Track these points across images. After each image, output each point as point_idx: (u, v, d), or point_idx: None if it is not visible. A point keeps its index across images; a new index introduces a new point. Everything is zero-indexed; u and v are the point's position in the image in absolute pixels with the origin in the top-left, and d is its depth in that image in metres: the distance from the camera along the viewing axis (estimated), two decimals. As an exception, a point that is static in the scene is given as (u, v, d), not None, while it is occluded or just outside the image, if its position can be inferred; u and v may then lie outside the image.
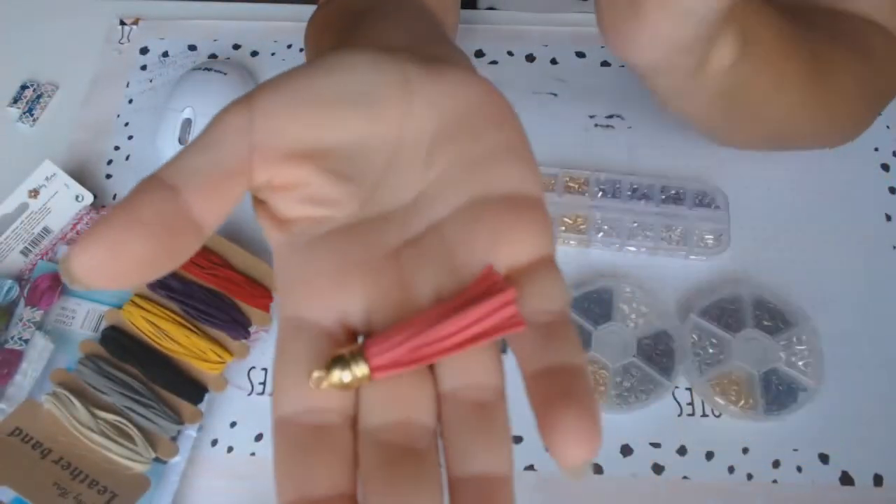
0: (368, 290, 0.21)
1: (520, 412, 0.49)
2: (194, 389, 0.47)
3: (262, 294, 0.49)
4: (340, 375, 0.20)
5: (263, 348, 0.51)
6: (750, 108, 0.41)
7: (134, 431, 0.45)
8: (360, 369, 0.20)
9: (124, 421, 0.45)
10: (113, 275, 0.18)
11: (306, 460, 0.19)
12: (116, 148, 0.59)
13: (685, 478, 0.46)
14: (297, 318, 0.22)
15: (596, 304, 0.50)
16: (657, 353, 0.48)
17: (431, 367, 0.21)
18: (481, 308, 0.20)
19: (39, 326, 0.49)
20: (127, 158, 0.58)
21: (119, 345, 0.47)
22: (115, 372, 0.46)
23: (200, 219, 0.20)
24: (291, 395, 0.20)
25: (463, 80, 0.24)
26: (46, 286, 0.49)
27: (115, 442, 0.44)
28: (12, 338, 0.48)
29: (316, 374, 0.20)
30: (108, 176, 0.57)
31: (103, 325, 0.49)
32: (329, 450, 0.20)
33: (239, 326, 0.48)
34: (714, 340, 0.49)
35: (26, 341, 0.48)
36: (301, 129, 0.21)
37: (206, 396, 0.48)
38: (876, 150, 0.57)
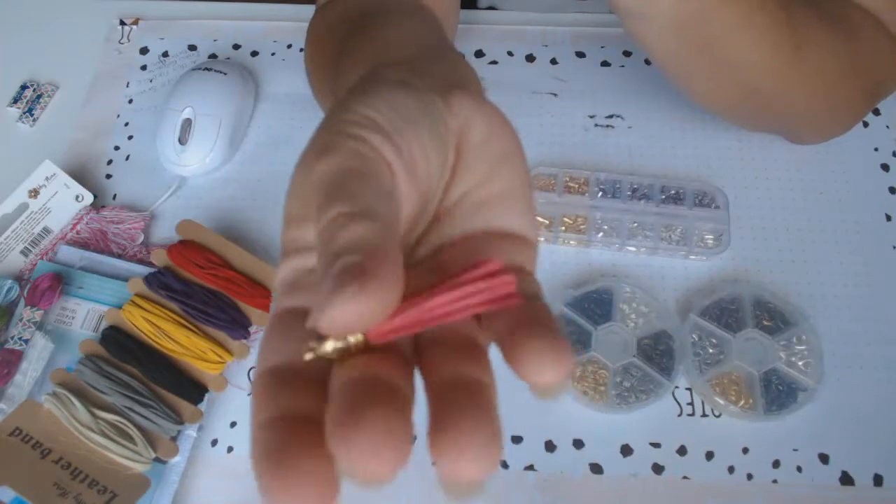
0: None
1: (520, 412, 0.49)
2: (194, 389, 0.47)
3: (261, 294, 0.49)
4: (335, 344, 0.19)
5: (263, 348, 0.50)
6: (712, 46, 0.41)
7: (134, 431, 0.45)
8: (355, 337, 0.20)
9: (124, 421, 0.45)
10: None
11: (282, 390, 0.19)
12: (116, 148, 0.59)
13: (685, 478, 0.46)
14: (299, 239, 0.22)
15: (596, 304, 0.50)
16: (657, 353, 0.48)
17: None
18: (477, 282, 0.21)
19: (39, 326, 0.49)
20: (127, 158, 0.58)
21: (119, 345, 0.47)
22: (115, 372, 0.46)
23: None
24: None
25: (476, 108, 0.24)
26: (46, 286, 0.49)
27: (115, 442, 0.44)
28: (12, 338, 0.48)
29: (310, 343, 0.20)
30: (108, 176, 0.57)
31: (103, 324, 0.49)
32: (305, 382, 0.20)
33: (239, 326, 0.48)
34: (714, 340, 0.49)
35: (26, 341, 0.48)
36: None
37: (207, 396, 0.48)
38: (876, 150, 0.57)
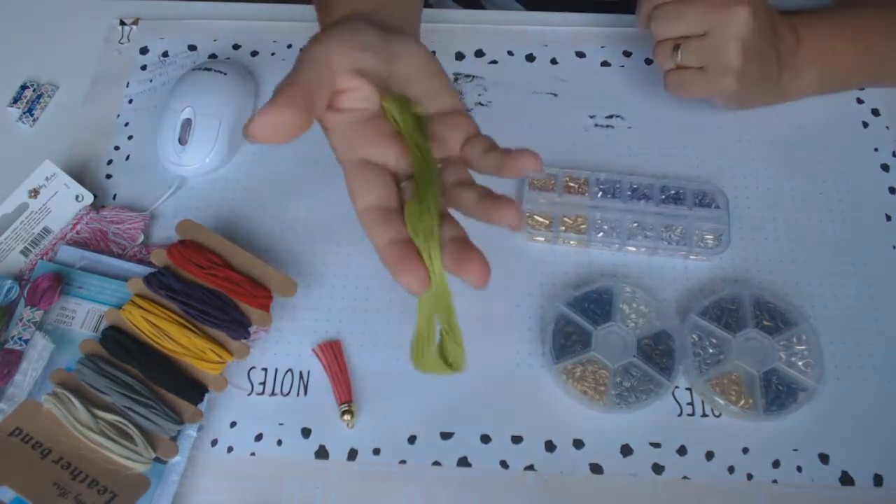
0: (395, 144, 0.37)
1: (520, 412, 0.49)
2: (194, 389, 0.47)
3: (262, 294, 0.49)
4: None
5: (263, 348, 0.51)
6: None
7: (134, 431, 0.45)
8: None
9: (124, 421, 0.45)
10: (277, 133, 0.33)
11: (388, 222, 0.35)
12: (116, 148, 0.59)
13: (685, 478, 0.46)
14: (360, 158, 0.37)
15: (596, 304, 0.50)
16: (657, 353, 0.48)
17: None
18: None
19: (39, 326, 0.49)
20: (127, 158, 0.58)
21: (119, 345, 0.47)
22: (115, 372, 0.46)
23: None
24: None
25: (412, 47, 0.39)
26: (46, 286, 0.49)
27: (116, 442, 0.44)
28: (12, 338, 0.48)
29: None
30: (108, 176, 0.57)
31: (103, 324, 0.49)
32: (398, 216, 0.35)
33: (239, 326, 0.48)
34: (714, 340, 0.49)
35: (26, 341, 0.48)
36: (357, 59, 0.37)
37: (207, 396, 0.48)
38: (876, 150, 0.57)
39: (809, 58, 0.53)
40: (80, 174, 0.56)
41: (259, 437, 0.48)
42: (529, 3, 0.68)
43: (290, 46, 0.63)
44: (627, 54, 0.62)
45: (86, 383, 0.46)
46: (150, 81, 0.61)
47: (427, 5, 0.70)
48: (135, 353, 0.47)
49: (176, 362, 0.48)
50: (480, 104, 0.59)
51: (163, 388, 0.47)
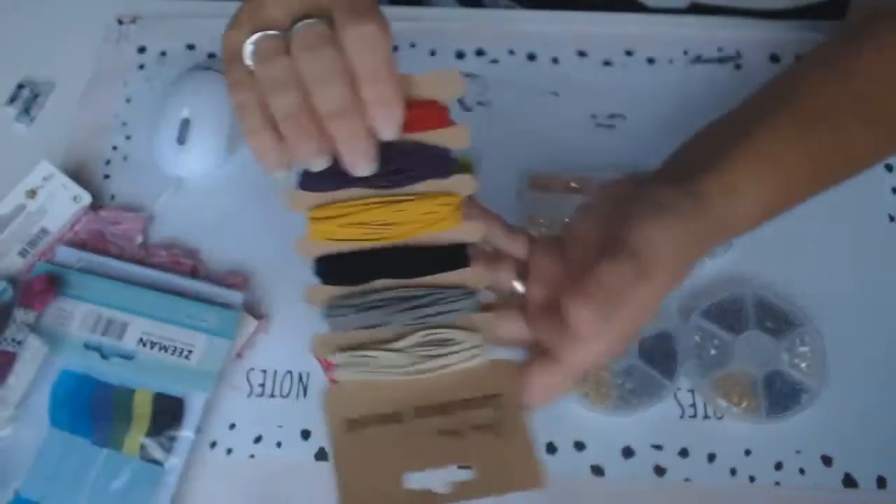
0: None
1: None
2: (454, 254, 0.36)
3: (435, 109, 0.35)
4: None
5: (263, 350, 0.50)
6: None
7: (445, 332, 0.36)
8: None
9: (427, 332, 0.36)
10: None
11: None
12: (114, 148, 0.58)
13: (687, 480, 0.46)
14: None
15: (597, 306, 0.50)
16: (659, 355, 0.48)
17: None
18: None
19: (33, 328, 0.48)
20: (125, 159, 0.58)
21: (345, 270, 0.36)
22: (369, 298, 0.36)
23: None
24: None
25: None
26: (40, 288, 0.49)
27: (441, 355, 0.36)
28: (5, 339, 0.47)
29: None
30: (106, 176, 0.57)
31: (309, 262, 0.37)
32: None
33: (440, 161, 0.35)
34: (716, 342, 0.49)
35: (20, 343, 0.47)
36: None
37: (204, 399, 0.47)
38: (878, 149, 0.57)
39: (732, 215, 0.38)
40: (78, 174, 0.56)
41: (258, 439, 0.47)
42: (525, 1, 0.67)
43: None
44: (629, 53, 0.61)
45: (354, 330, 0.36)
46: (149, 81, 0.61)
47: (427, 3, 0.70)
48: (368, 265, 0.36)
49: (414, 244, 0.36)
50: (481, 103, 0.59)
51: (426, 276, 0.36)
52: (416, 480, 0.33)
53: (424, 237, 0.36)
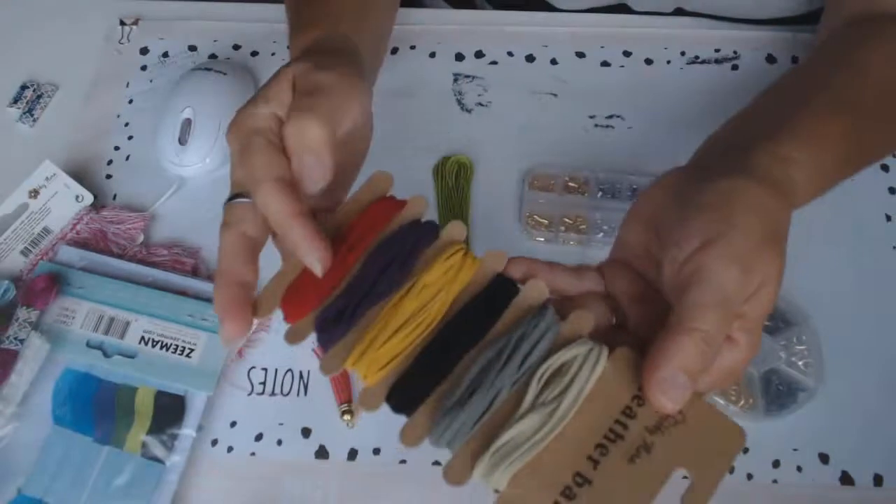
0: None
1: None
2: (498, 288, 0.34)
3: (383, 203, 0.36)
4: None
5: (263, 348, 0.51)
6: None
7: (552, 361, 0.32)
8: None
9: (539, 374, 0.31)
10: None
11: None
12: (116, 148, 0.59)
13: (685, 478, 0.46)
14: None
15: (596, 304, 0.50)
16: (657, 353, 0.48)
17: None
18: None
19: (35, 326, 0.49)
20: (127, 158, 0.58)
21: (419, 382, 0.32)
22: (462, 388, 0.31)
23: None
24: None
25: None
26: (42, 286, 0.49)
27: (569, 384, 0.31)
28: (7, 338, 0.48)
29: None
30: (108, 176, 0.57)
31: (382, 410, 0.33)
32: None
33: (417, 232, 0.35)
34: (714, 340, 0.49)
35: (22, 341, 0.47)
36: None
37: (207, 397, 0.48)
38: (876, 150, 0.57)
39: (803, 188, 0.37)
40: (80, 174, 0.56)
41: (259, 437, 0.48)
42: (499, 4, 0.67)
43: (289, 47, 0.63)
44: (627, 54, 0.62)
45: (472, 428, 0.31)
46: (151, 81, 0.61)
47: (420, 5, 0.70)
48: (436, 360, 0.33)
49: (460, 309, 0.34)
50: (480, 104, 0.59)
51: (494, 328, 0.33)
52: None
53: (464, 298, 0.34)
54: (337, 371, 0.33)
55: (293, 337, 0.34)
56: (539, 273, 0.34)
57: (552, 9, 0.64)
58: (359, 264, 0.34)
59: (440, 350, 0.32)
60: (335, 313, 0.33)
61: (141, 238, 0.54)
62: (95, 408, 0.47)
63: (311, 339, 0.52)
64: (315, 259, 0.33)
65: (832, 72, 0.43)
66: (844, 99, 0.41)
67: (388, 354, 0.32)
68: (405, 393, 0.32)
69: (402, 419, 0.47)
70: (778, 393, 0.47)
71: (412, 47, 0.62)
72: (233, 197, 0.35)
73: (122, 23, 0.64)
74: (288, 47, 0.47)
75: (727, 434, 0.31)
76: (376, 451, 0.47)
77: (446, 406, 0.30)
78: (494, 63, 0.61)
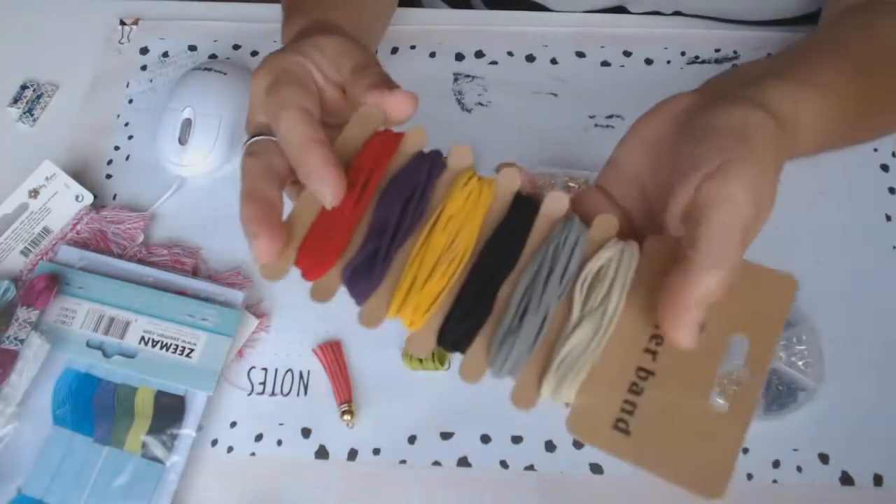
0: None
1: (520, 413, 0.49)
2: (520, 208, 0.33)
3: (380, 138, 0.35)
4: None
5: (263, 348, 0.51)
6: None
7: (590, 267, 0.31)
8: None
9: (580, 284, 0.31)
10: None
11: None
12: (116, 148, 0.59)
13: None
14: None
15: (596, 304, 0.50)
16: (657, 353, 0.48)
17: None
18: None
19: (35, 326, 0.49)
20: (127, 158, 0.58)
21: (466, 317, 0.31)
22: (511, 312, 0.31)
23: None
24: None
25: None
26: (42, 286, 0.49)
27: (610, 287, 0.31)
28: (7, 338, 0.48)
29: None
30: (108, 176, 0.57)
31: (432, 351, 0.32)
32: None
33: (426, 163, 0.34)
34: (714, 340, 0.49)
35: (22, 341, 0.48)
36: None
37: (207, 396, 0.48)
38: (875, 150, 0.57)
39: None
40: (80, 174, 0.56)
41: (259, 437, 0.48)
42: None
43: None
44: (627, 54, 0.62)
45: (531, 350, 0.30)
46: (151, 81, 0.61)
47: (420, 5, 0.70)
48: (479, 292, 0.31)
49: (489, 236, 0.32)
50: (480, 104, 0.59)
51: (526, 249, 0.32)
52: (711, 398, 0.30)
53: (489, 223, 0.33)
54: (380, 323, 0.31)
55: (321, 294, 0.31)
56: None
57: (548, 11, 0.64)
58: (373, 205, 0.32)
59: (481, 282, 0.31)
60: (367, 258, 0.31)
61: (141, 238, 0.54)
62: (95, 408, 0.47)
63: (309, 341, 0.52)
64: (328, 189, 0.31)
65: (846, 34, 0.43)
66: (857, 60, 0.41)
67: (431, 295, 0.31)
68: (457, 331, 0.31)
69: (402, 420, 0.47)
70: (778, 393, 0.47)
71: (412, 47, 0.62)
72: (252, 137, 0.36)
73: (122, 23, 0.64)
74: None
75: (777, 285, 0.31)
76: (376, 451, 0.47)
77: (500, 335, 0.30)
78: (494, 63, 0.62)
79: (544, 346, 0.30)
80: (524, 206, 0.33)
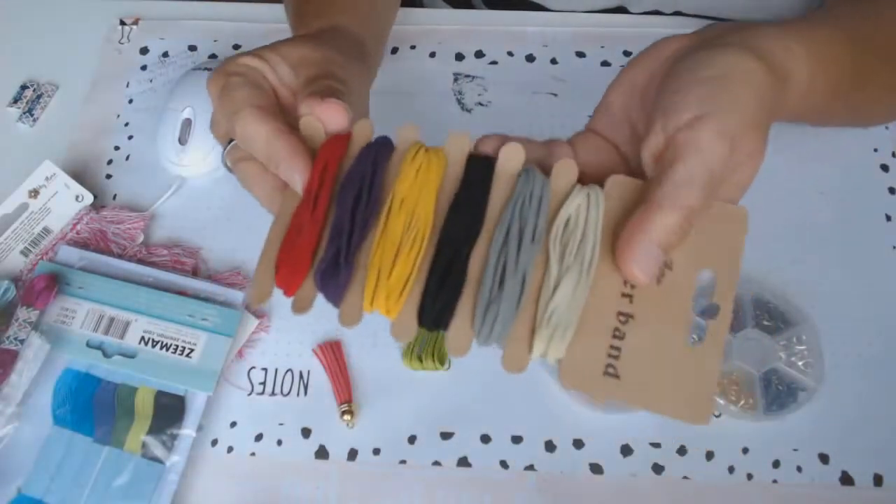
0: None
1: (520, 412, 0.49)
2: (476, 168, 0.33)
3: (330, 142, 0.35)
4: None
5: (263, 348, 0.51)
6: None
7: (559, 219, 0.32)
8: None
9: (552, 237, 0.32)
10: None
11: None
12: (116, 148, 0.59)
13: (685, 478, 0.46)
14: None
15: (596, 304, 0.50)
16: (657, 353, 0.48)
17: None
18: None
19: (35, 326, 0.49)
20: (127, 158, 0.58)
21: (441, 290, 0.31)
22: (489, 277, 0.31)
23: None
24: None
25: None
26: (42, 286, 0.49)
27: (583, 236, 0.32)
28: (7, 338, 0.48)
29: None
30: (109, 176, 0.57)
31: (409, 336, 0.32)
32: None
33: (372, 152, 0.34)
34: (714, 340, 0.49)
35: (22, 341, 0.47)
36: None
37: (207, 397, 0.48)
38: (875, 150, 0.57)
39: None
40: (81, 174, 0.56)
41: (259, 437, 0.48)
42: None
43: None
44: (627, 54, 0.62)
45: (516, 312, 0.30)
46: (151, 81, 0.61)
47: (420, 5, 0.70)
48: (448, 263, 0.31)
49: (450, 205, 0.33)
50: (480, 104, 0.59)
51: (489, 208, 0.32)
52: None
53: (446, 191, 0.33)
54: (359, 320, 0.31)
55: (300, 305, 0.32)
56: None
57: (548, 11, 0.64)
58: (333, 207, 0.33)
59: (449, 255, 0.31)
60: (331, 261, 0.31)
61: (141, 238, 0.54)
62: (95, 408, 0.47)
63: (309, 341, 0.52)
64: (297, 174, 0.33)
65: (847, 11, 0.43)
66: (854, 36, 0.41)
67: (400, 280, 0.31)
68: (434, 309, 0.30)
69: (402, 420, 0.47)
70: (778, 393, 0.47)
71: (412, 47, 0.62)
72: (228, 144, 0.37)
73: (122, 23, 0.64)
74: None
75: (731, 218, 0.32)
76: (376, 451, 0.47)
77: (482, 303, 0.30)
78: (494, 63, 0.61)
79: (527, 306, 0.30)
80: (480, 167, 0.33)
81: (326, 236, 0.32)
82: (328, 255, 0.31)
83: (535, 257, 0.31)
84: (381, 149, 0.34)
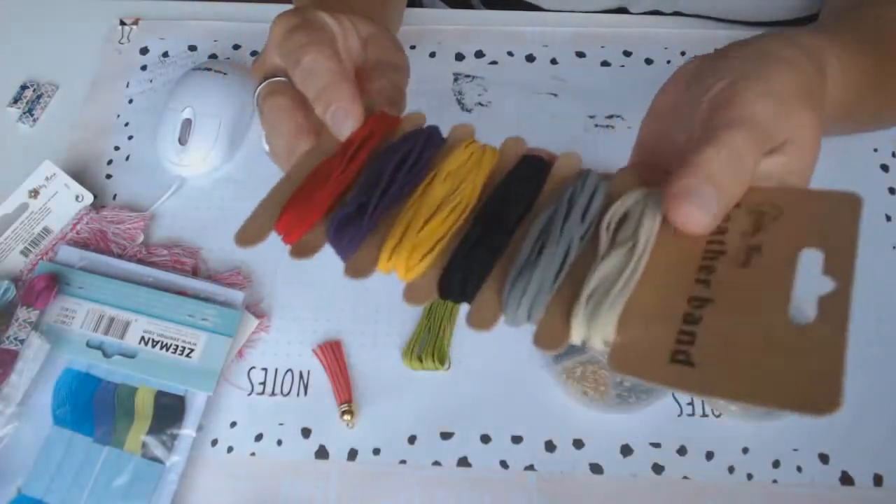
0: None
1: (520, 412, 0.49)
2: (529, 168, 0.32)
3: (388, 118, 0.34)
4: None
5: (263, 348, 0.51)
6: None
7: (614, 210, 0.29)
8: None
9: (606, 221, 0.29)
10: None
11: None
12: (116, 148, 0.59)
13: (685, 478, 0.46)
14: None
15: (596, 304, 0.50)
16: (657, 353, 0.48)
17: None
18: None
19: (35, 326, 0.49)
20: (127, 158, 0.58)
21: (474, 259, 0.28)
22: (527, 248, 0.28)
23: None
24: None
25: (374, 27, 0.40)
26: (42, 286, 0.49)
27: (638, 226, 0.28)
28: (7, 338, 0.48)
29: None
30: (108, 176, 0.57)
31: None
32: None
33: (421, 137, 0.32)
34: (714, 340, 0.49)
35: (22, 341, 0.48)
36: None
37: (207, 397, 0.48)
38: (875, 150, 0.57)
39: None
40: (81, 174, 0.56)
41: (259, 437, 0.48)
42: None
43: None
44: (627, 54, 0.62)
45: (556, 283, 0.27)
46: (151, 81, 0.61)
47: (419, 5, 0.70)
48: (483, 233, 0.28)
49: (485, 201, 0.30)
50: (480, 104, 0.59)
51: (531, 200, 0.30)
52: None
53: (495, 181, 0.30)
54: (369, 272, 0.27)
55: (301, 250, 0.29)
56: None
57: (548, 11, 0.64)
58: (365, 172, 0.30)
59: (491, 220, 0.27)
60: (354, 212, 0.28)
61: (141, 238, 0.54)
62: (95, 408, 0.47)
63: (309, 341, 0.52)
64: (351, 119, 0.32)
65: (856, 15, 0.43)
66: (868, 38, 0.40)
67: (431, 238, 0.27)
68: (462, 273, 0.26)
69: (402, 420, 0.47)
70: (778, 393, 0.47)
71: (412, 47, 0.62)
72: (262, 82, 0.36)
73: (122, 23, 0.64)
74: None
75: (839, 203, 0.27)
76: (376, 451, 0.47)
77: (515, 271, 0.26)
78: (494, 63, 0.61)
79: (568, 285, 0.26)
80: (534, 164, 0.30)
81: (352, 193, 0.29)
82: (351, 206, 0.28)
83: (583, 240, 0.27)
84: (434, 133, 0.32)
